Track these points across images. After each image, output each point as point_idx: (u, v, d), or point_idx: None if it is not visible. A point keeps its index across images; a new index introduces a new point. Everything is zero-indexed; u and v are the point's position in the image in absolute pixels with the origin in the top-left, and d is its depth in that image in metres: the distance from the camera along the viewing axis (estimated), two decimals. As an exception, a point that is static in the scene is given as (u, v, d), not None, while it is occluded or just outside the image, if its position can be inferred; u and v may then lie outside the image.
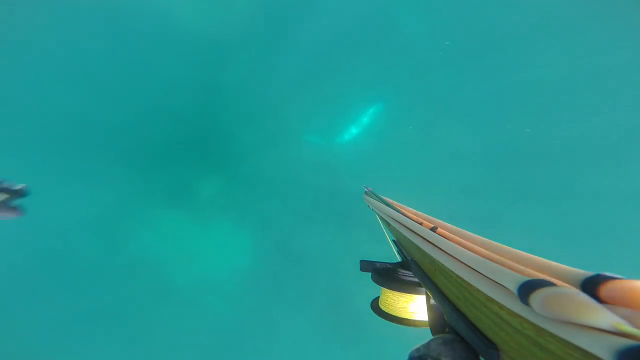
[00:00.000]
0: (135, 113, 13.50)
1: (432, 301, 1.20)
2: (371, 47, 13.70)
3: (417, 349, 0.93)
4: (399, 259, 1.68)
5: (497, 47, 12.69)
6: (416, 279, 1.44)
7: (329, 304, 12.49)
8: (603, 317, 0.44)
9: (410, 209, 1.67)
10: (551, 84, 11.99)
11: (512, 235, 11.46)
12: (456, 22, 13.10)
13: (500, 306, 0.65)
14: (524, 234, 11.42)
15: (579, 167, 11.85)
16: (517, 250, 0.79)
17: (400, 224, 1.42)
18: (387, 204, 1.84)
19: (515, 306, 0.59)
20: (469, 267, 0.79)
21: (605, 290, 0.51)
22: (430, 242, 1.06)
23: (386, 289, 1.53)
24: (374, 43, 13.66)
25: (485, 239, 0.94)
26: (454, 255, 0.87)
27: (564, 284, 0.57)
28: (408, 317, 1.46)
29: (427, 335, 1.02)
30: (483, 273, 0.72)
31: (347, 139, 13.93)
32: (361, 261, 1.66)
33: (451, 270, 0.88)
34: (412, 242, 1.26)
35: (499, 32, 12.66)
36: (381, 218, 1.96)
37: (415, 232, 1.22)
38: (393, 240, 1.85)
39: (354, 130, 13.92)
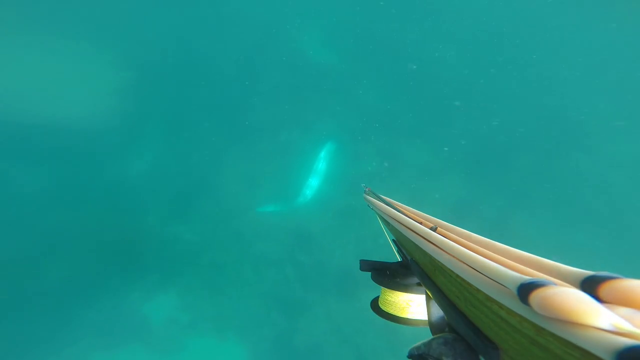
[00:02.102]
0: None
1: (432, 301, 1.31)
2: (294, 92, 14.21)
3: (418, 347, 1.04)
4: (399, 258, 1.84)
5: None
6: (416, 279, 1.58)
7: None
8: (603, 316, 0.50)
9: (410, 208, 1.81)
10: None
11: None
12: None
13: (500, 306, 0.72)
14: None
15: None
16: (517, 250, 0.89)
17: (400, 223, 1.53)
18: (387, 204, 1.99)
19: (515, 306, 0.66)
20: (469, 266, 0.87)
21: (604, 289, 0.58)
22: (430, 242, 1.15)
23: (386, 289, 1.68)
24: (295, 87, 14.25)
25: (485, 238, 1.05)
26: (454, 255, 0.96)
27: (564, 284, 0.64)
28: (408, 317, 1.61)
29: (426, 335, 1.13)
30: (483, 273, 0.79)
31: (309, 194, 13.43)
32: (361, 261, 1.82)
33: (451, 270, 0.97)
34: (412, 242, 1.36)
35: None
36: (381, 217, 2.13)
37: (415, 232, 1.32)
38: (393, 240, 2.04)
39: (313, 182, 13.48)
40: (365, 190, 2.78)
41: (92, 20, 14.00)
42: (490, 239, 1.00)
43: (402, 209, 1.78)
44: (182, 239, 13.27)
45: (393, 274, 1.70)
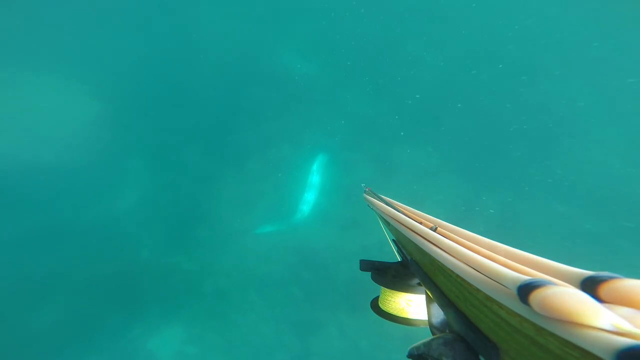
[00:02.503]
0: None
1: (432, 301, 1.35)
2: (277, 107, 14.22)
3: (417, 347, 1.06)
4: (399, 258, 1.89)
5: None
6: (416, 279, 1.62)
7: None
8: (603, 316, 0.51)
9: (411, 208, 1.86)
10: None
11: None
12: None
13: (500, 306, 0.74)
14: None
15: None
16: (517, 250, 0.92)
17: (401, 223, 1.58)
18: (387, 204, 2.04)
19: (515, 306, 0.67)
20: (469, 266, 0.90)
21: (604, 289, 0.60)
22: (431, 242, 1.19)
23: (386, 289, 1.74)
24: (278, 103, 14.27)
25: (485, 238, 1.08)
26: (454, 255, 0.99)
27: (564, 284, 0.65)
28: (408, 317, 1.66)
29: (426, 334, 1.16)
30: (483, 273, 0.82)
31: (306, 209, 13.33)
32: (361, 260, 1.88)
33: (451, 270, 1.00)
34: (412, 242, 1.39)
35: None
36: (381, 217, 2.18)
37: (415, 232, 1.36)
38: (393, 240, 2.09)
39: (309, 197, 13.38)
40: (365, 190, 2.85)
41: (57, 50, 13.81)
42: (497, 236, 1.02)
43: (402, 209, 1.83)
44: (181, 269, 13.13)
45: (393, 274, 1.75)
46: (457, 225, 1.30)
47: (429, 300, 1.42)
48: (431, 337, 1.10)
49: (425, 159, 13.44)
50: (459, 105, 13.93)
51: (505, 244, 0.99)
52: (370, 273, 1.85)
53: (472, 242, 1.10)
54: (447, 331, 1.10)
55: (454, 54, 14.10)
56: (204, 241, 13.29)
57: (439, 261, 1.09)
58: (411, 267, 1.58)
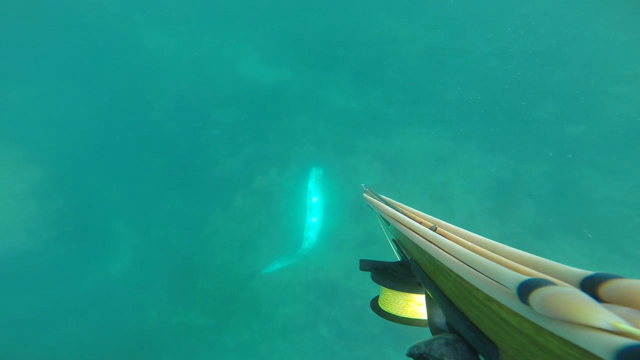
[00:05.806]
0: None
1: (432, 300, 1.45)
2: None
3: (418, 347, 1.11)
4: (398, 258, 2.05)
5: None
6: (416, 279, 1.72)
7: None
8: (602, 316, 0.54)
9: (410, 208, 2.01)
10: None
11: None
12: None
13: (500, 305, 0.80)
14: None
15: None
16: (517, 250, 0.98)
17: (400, 223, 1.71)
18: (387, 203, 2.19)
19: (515, 305, 0.73)
20: (469, 266, 0.97)
21: (604, 289, 0.65)
22: (430, 242, 1.30)
23: (386, 288, 1.86)
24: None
25: (485, 238, 1.15)
26: (454, 255, 1.08)
27: (564, 284, 0.72)
28: (407, 316, 1.78)
29: (425, 334, 1.22)
30: (482, 272, 0.88)
31: (313, 236, 12.98)
32: (361, 260, 2.05)
33: (451, 270, 1.09)
34: (412, 241, 1.52)
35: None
36: (381, 217, 2.37)
37: (415, 231, 1.48)
38: (393, 240, 2.26)
39: (313, 220, 13.07)
40: (365, 190, 3.02)
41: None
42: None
43: (402, 209, 1.97)
44: (195, 325, 12.94)
45: (392, 274, 1.87)
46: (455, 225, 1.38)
47: (428, 300, 1.51)
48: (431, 336, 1.15)
49: (435, 143, 13.01)
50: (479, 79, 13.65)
51: (505, 243, 1.04)
52: (370, 272, 1.96)
53: (472, 242, 1.17)
54: (447, 331, 1.16)
55: (434, 21, 13.90)
56: (213, 292, 13.08)
57: (438, 261, 1.18)
58: (411, 267, 1.69)
